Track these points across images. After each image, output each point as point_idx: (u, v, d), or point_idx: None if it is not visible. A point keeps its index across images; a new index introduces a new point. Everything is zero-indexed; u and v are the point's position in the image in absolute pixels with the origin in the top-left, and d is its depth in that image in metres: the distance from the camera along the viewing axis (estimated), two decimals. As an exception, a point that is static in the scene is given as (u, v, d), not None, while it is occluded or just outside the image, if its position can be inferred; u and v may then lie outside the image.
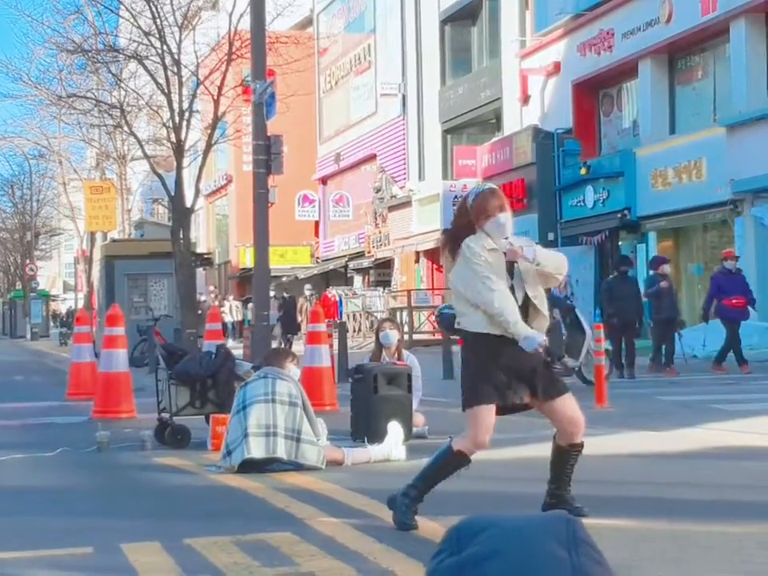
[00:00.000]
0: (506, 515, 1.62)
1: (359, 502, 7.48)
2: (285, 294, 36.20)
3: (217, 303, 39.68)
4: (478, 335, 6.71)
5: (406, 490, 6.75)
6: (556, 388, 6.81)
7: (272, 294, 34.37)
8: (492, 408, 6.72)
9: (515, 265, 6.74)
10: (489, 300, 6.57)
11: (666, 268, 20.55)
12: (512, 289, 6.70)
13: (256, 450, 8.88)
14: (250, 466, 8.88)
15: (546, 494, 6.91)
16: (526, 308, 6.74)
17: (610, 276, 20.99)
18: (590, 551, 1.56)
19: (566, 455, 6.86)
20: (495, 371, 6.65)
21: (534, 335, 6.57)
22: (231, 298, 43.10)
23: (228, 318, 41.17)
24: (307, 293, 38.38)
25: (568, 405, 6.80)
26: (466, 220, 6.82)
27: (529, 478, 8.51)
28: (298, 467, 8.96)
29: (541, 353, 6.62)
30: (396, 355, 11.23)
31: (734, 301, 19.67)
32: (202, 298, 40.35)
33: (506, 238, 6.76)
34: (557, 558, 1.53)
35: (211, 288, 39.19)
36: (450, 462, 6.82)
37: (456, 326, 6.88)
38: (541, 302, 6.80)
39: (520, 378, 6.69)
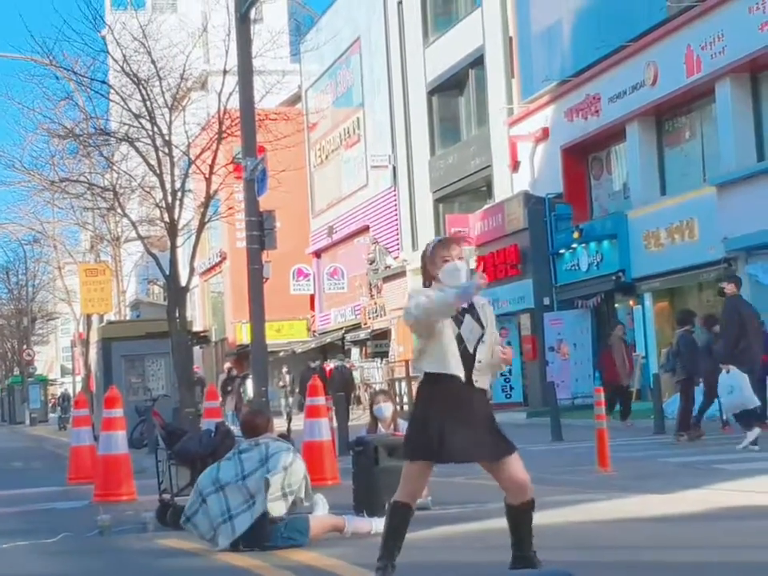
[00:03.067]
0: (508, 572, 1.62)
1: (364, 577, 7.42)
2: (311, 365, 34.81)
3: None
4: (426, 376, 6.65)
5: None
6: (503, 447, 6.65)
7: (313, 365, 33.53)
8: (421, 465, 6.65)
9: (466, 317, 6.67)
10: (416, 301, 6.50)
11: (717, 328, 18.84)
12: (459, 337, 6.62)
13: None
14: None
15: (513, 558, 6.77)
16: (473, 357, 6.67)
17: (682, 330, 18.91)
18: None
19: (519, 514, 6.72)
20: (432, 422, 6.55)
21: (464, 285, 6.49)
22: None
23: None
24: (338, 363, 37.00)
25: (515, 466, 6.67)
26: (427, 277, 6.86)
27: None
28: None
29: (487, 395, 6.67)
30: (392, 426, 11.20)
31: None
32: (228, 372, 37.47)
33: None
34: None
35: (227, 365, 37.92)
36: (392, 515, 6.86)
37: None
38: (491, 346, 6.72)
39: (459, 433, 6.54)
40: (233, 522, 8.94)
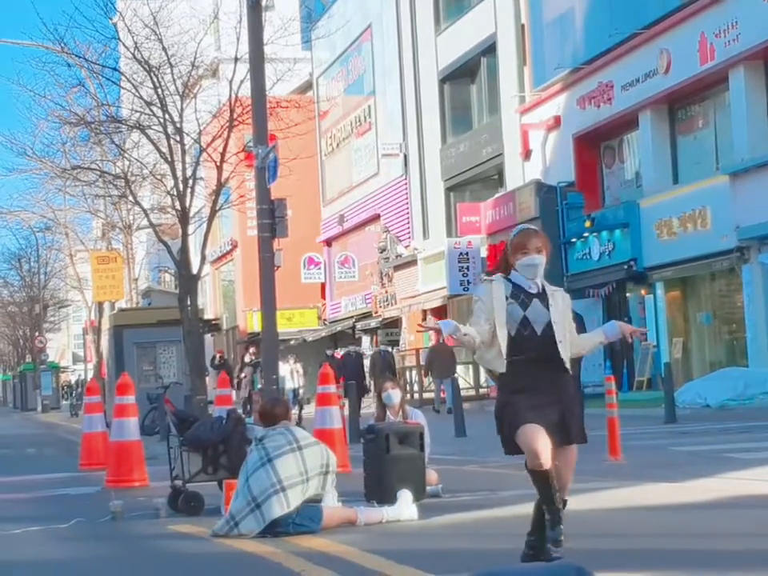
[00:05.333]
0: (514, 567, 1.61)
1: (376, 564, 7.42)
2: (351, 350, 34.14)
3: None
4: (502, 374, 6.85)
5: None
6: (580, 434, 6.86)
7: (330, 351, 32.88)
8: (530, 426, 6.65)
9: (534, 301, 6.86)
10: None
11: None
12: (525, 320, 6.80)
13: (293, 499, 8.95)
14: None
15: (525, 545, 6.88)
16: (551, 341, 6.79)
17: None
18: None
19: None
20: (521, 400, 6.70)
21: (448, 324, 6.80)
22: (292, 360, 38.38)
23: (289, 385, 36.43)
24: (382, 347, 35.38)
25: (572, 458, 6.87)
26: (503, 262, 7.04)
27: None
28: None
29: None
30: (400, 413, 11.19)
31: None
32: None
33: (533, 279, 6.90)
34: None
35: (252, 350, 37.39)
36: (534, 480, 6.79)
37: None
38: (565, 329, 6.90)
39: (547, 411, 6.73)
40: (261, 510, 8.92)
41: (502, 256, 7.07)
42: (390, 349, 36.75)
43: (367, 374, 32.78)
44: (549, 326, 6.82)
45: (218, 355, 41.30)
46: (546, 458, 6.64)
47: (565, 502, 6.90)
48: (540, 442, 6.62)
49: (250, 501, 8.94)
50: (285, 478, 8.94)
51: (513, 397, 6.74)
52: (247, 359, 35.67)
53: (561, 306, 6.97)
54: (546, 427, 6.68)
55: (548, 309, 6.87)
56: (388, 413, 11.21)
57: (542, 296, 6.92)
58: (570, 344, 6.92)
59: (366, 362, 33.57)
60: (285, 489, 8.91)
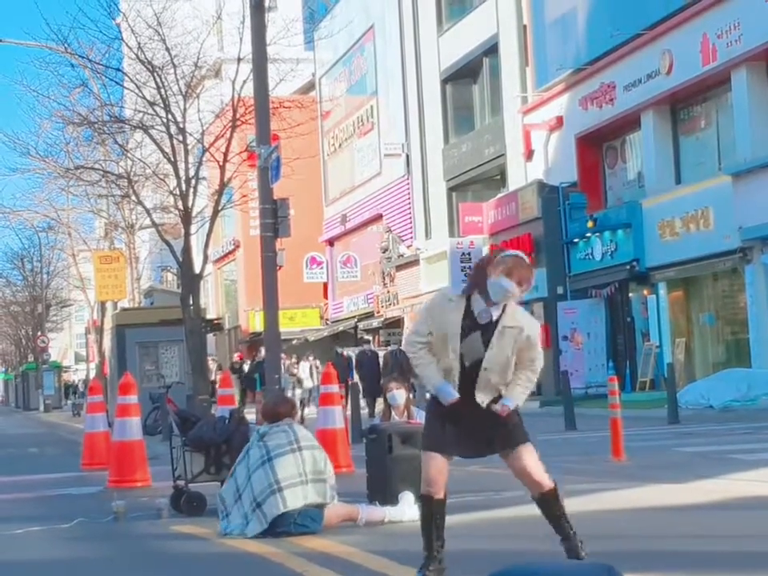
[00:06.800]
0: (544, 564, 1.61)
1: (378, 564, 7.41)
2: (366, 348, 33.86)
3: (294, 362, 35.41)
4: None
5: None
6: (509, 440, 6.74)
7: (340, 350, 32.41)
8: (436, 455, 6.67)
9: (473, 334, 6.60)
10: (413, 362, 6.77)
11: None
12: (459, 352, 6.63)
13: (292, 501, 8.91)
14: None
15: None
16: (473, 379, 6.62)
17: None
18: None
19: (541, 505, 6.80)
20: (445, 424, 6.66)
21: (443, 393, 6.58)
22: (311, 357, 37.45)
23: (307, 384, 35.38)
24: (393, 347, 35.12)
25: (522, 456, 6.73)
26: (478, 278, 6.65)
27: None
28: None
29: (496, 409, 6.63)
30: (405, 413, 11.17)
31: None
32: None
33: (494, 305, 6.58)
34: None
35: (262, 349, 36.74)
36: (421, 507, 6.81)
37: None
38: (496, 371, 6.61)
39: (471, 433, 6.68)
40: (262, 509, 8.92)
41: (480, 267, 6.68)
42: (401, 349, 36.64)
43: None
44: (477, 364, 6.57)
45: (237, 358, 41.16)
46: (438, 488, 6.65)
47: (552, 492, 6.80)
48: (436, 471, 6.65)
49: (252, 500, 8.95)
50: (282, 479, 8.93)
51: (439, 414, 6.68)
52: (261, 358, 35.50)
53: (509, 347, 6.59)
54: (467, 450, 6.78)
55: (486, 347, 6.57)
56: (393, 413, 11.20)
57: (489, 330, 6.58)
58: (508, 379, 6.65)
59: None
60: (282, 489, 8.91)
